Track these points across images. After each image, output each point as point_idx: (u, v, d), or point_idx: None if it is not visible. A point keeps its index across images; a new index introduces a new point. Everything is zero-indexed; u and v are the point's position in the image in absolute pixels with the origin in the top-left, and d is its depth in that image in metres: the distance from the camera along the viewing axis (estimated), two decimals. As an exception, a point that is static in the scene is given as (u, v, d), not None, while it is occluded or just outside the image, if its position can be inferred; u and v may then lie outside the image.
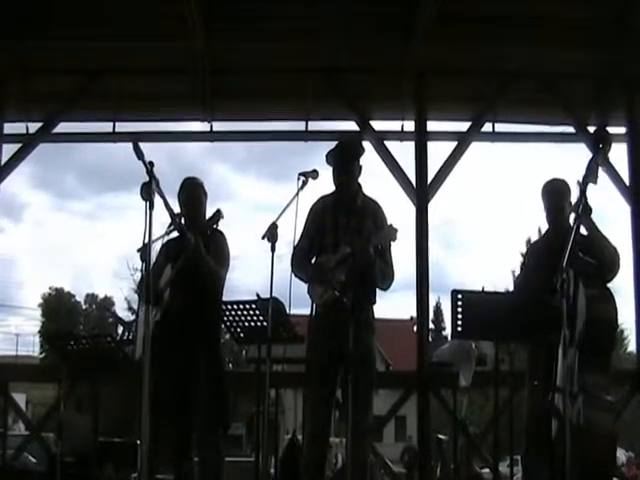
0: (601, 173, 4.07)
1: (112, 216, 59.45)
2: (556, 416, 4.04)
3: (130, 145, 3.77)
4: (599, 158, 4.13)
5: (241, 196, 60.61)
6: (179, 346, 4.89)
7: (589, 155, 4.16)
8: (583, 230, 4.37)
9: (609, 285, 4.64)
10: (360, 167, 5.01)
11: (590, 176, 4.08)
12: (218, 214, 5.06)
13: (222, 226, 5.11)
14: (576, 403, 3.86)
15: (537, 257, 5.14)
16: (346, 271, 4.62)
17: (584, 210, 4.11)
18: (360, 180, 5.03)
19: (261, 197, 62.93)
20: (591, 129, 4.64)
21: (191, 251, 4.80)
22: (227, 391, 5.06)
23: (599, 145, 4.20)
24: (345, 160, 4.94)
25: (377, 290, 4.89)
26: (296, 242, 4.92)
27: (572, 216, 4.31)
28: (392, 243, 4.82)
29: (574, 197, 4.96)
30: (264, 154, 60.62)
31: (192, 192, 5.24)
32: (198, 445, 4.96)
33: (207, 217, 5.11)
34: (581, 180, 4.08)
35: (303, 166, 4.69)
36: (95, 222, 58.64)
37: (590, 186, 4.07)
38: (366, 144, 5.50)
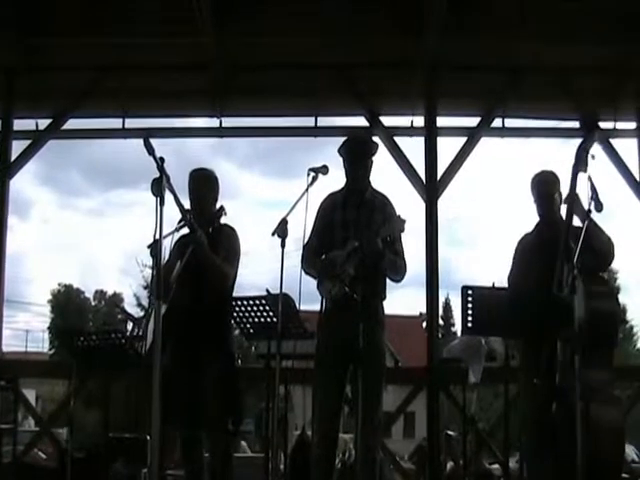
0: (612, 169, 4.07)
1: (119, 213, 59.55)
2: (559, 412, 4.03)
3: (138, 141, 3.76)
4: (587, 146, 4.11)
5: (248, 193, 60.71)
6: (186, 342, 4.87)
7: (598, 150, 4.15)
8: (576, 221, 4.35)
9: (617, 282, 4.62)
10: (372, 162, 5.01)
11: (580, 164, 4.08)
12: (220, 210, 5.04)
13: (230, 223, 5.09)
14: (580, 399, 3.83)
15: (529, 251, 5.12)
16: (355, 265, 4.61)
17: (596, 204, 4.09)
18: (370, 176, 5.02)
19: (268, 194, 62.96)
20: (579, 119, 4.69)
21: (198, 246, 4.78)
22: (238, 387, 5.02)
23: (587, 133, 4.19)
24: (361, 155, 4.94)
25: (387, 285, 4.88)
26: (306, 239, 4.90)
27: (564, 207, 4.30)
28: (402, 234, 4.80)
29: (564, 187, 4.96)
30: (271, 151, 60.66)
31: (196, 185, 5.13)
32: (208, 441, 4.94)
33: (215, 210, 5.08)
34: (570, 169, 4.07)
35: (310, 162, 4.65)
36: (102, 219, 58.79)
37: (586, 177, 4.06)
38: (375, 139, 5.48)
